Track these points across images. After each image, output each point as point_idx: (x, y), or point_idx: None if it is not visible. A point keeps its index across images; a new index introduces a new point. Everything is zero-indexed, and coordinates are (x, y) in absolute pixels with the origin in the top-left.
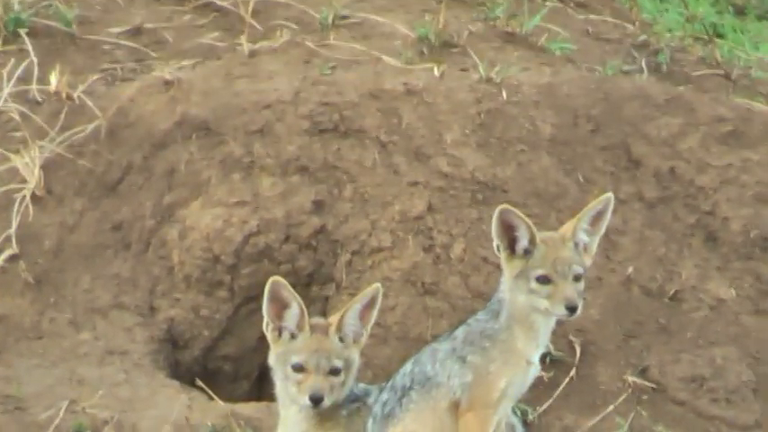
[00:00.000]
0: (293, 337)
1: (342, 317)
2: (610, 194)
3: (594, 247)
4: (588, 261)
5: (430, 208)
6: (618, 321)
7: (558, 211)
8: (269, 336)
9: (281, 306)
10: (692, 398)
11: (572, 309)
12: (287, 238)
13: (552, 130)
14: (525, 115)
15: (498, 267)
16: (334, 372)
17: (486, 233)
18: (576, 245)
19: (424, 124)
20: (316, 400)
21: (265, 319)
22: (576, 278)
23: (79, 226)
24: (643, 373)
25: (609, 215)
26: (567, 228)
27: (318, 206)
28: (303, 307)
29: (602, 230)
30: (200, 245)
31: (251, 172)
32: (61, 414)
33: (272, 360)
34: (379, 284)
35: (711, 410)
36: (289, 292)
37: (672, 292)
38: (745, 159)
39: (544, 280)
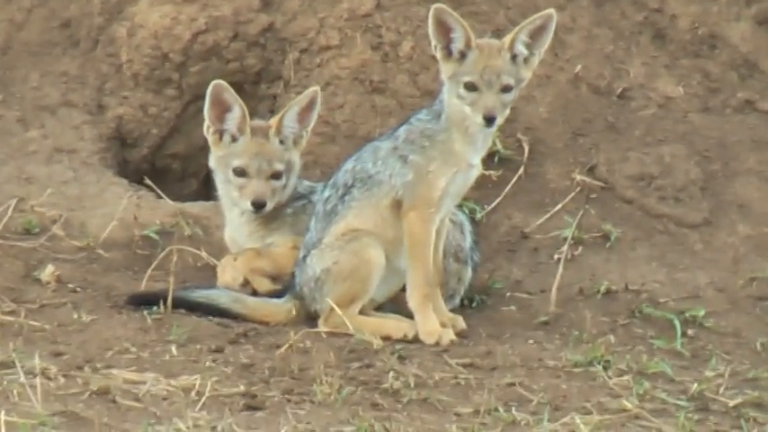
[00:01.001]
0: (234, 140)
1: (280, 119)
2: (551, 11)
3: (536, 61)
4: (526, 73)
5: (378, 6)
6: (566, 119)
7: (507, 8)
8: (210, 139)
9: (222, 109)
10: (640, 196)
11: (489, 119)
12: (235, 36)
13: None
14: None
15: None
16: (276, 176)
17: None
18: (515, 57)
19: None
20: (258, 206)
21: (206, 122)
22: (504, 89)
23: (27, 23)
24: (591, 171)
25: (551, 31)
26: (507, 38)
27: (266, 3)
28: (245, 109)
29: (545, 45)
30: (149, 42)
31: None
32: (9, 212)
33: (212, 163)
34: (317, 87)
35: (659, 208)
36: (231, 95)
37: (620, 90)
38: None
39: (470, 86)
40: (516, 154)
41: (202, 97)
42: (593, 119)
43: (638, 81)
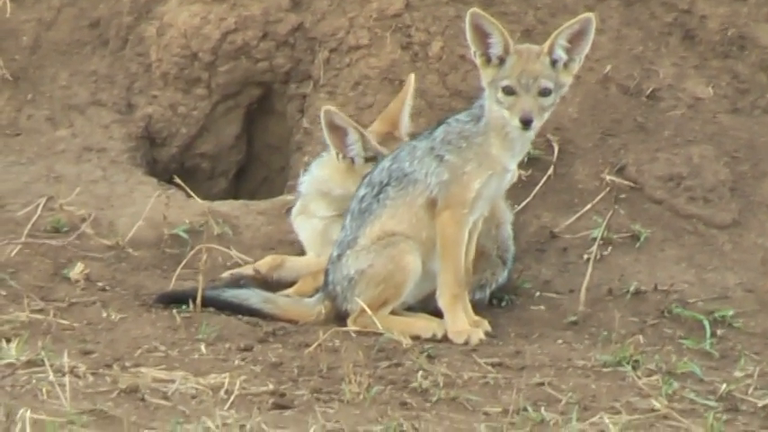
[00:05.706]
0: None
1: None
2: (590, 15)
3: (576, 66)
4: (566, 78)
5: (408, 5)
6: (596, 120)
7: (536, 8)
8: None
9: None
10: (669, 196)
11: (526, 122)
12: (264, 36)
13: None
14: None
15: (476, 66)
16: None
17: (464, 31)
18: (555, 61)
19: None
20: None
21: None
22: (543, 93)
23: (57, 22)
24: (620, 171)
25: (591, 36)
26: (546, 43)
27: (296, 3)
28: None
29: (585, 49)
30: (178, 42)
31: None
32: (39, 211)
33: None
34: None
35: (688, 209)
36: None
37: (649, 91)
38: None
39: (508, 90)
40: (546, 154)
41: (231, 96)
42: (623, 119)
43: (668, 82)
